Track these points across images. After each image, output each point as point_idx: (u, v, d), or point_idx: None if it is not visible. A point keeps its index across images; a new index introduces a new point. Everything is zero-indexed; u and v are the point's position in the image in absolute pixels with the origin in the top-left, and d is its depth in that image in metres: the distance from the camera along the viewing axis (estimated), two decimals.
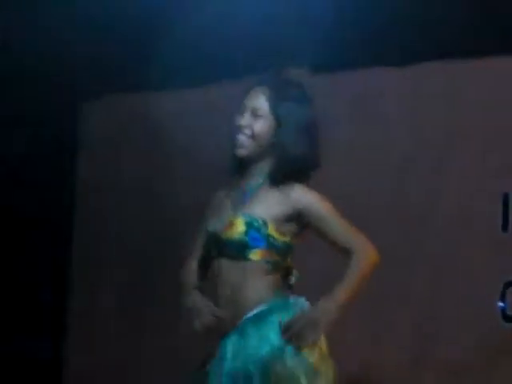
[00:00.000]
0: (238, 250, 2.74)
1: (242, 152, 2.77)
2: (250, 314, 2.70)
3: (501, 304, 3.91)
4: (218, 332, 2.74)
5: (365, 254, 2.73)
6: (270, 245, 2.74)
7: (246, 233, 2.73)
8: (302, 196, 2.75)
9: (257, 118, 2.77)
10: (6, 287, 4.78)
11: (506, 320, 3.91)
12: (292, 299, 2.75)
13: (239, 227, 2.74)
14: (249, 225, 2.74)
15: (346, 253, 2.73)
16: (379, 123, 4.10)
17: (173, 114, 4.54)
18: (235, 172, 2.84)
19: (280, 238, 2.75)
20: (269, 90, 2.78)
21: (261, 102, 2.77)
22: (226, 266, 2.77)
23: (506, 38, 3.84)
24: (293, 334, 2.63)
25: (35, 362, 4.73)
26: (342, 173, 4.00)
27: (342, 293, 2.67)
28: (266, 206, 2.76)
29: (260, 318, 2.70)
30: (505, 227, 3.93)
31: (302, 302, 2.75)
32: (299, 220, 2.76)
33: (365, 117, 4.13)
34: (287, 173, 2.75)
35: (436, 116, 4.03)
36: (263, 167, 2.79)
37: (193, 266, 2.90)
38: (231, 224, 2.76)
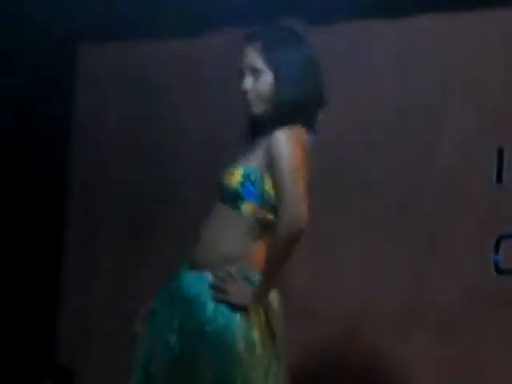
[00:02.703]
0: (232, 199, 2.77)
1: (256, 110, 2.79)
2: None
3: (495, 256, 3.99)
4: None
5: (286, 225, 2.66)
6: (264, 201, 2.75)
7: (242, 184, 2.76)
8: (273, 139, 2.71)
9: (256, 77, 2.77)
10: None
11: (499, 272, 4.00)
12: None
13: (237, 177, 2.76)
14: (246, 176, 2.76)
15: (278, 214, 2.70)
16: (372, 75, 4.18)
17: (166, 62, 4.66)
18: (250, 130, 2.86)
19: (274, 196, 2.73)
20: (260, 43, 2.78)
21: (255, 59, 2.77)
22: (220, 211, 2.80)
23: None
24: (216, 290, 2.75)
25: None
26: (335, 126, 4.05)
27: (261, 289, 2.73)
28: (259, 157, 2.77)
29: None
30: (499, 180, 4.01)
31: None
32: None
33: (357, 68, 4.20)
34: (288, 115, 2.72)
35: (428, 70, 4.10)
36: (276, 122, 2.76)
37: None
38: (232, 173, 2.78)
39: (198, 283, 2.78)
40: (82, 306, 4.85)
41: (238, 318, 2.73)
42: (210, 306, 2.76)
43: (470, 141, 4.04)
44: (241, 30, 2.95)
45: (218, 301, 2.75)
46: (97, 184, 4.87)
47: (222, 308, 2.75)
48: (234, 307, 2.74)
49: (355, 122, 4.20)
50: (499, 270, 3.99)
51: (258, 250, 2.78)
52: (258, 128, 2.81)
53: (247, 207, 2.75)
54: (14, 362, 4.85)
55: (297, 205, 2.66)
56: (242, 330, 2.73)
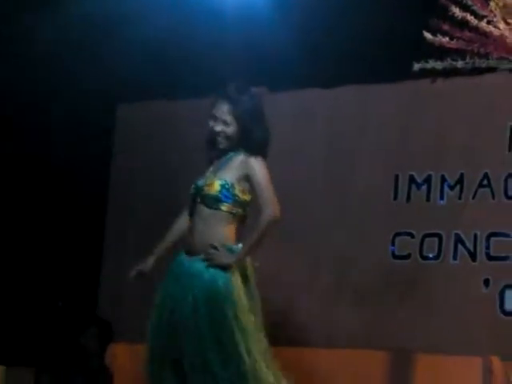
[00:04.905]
0: (214, 202, 3.89)
1: (222, 146, 4.00)
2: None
3: (392, 247, 5.88)
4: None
5: (267, 214, 3.83)
6: (235, 201, 3.90)
7: (220, 191, 3.90)
8: (250, 164, 3.91)
9: (226, 125, 3.95)
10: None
11: (394, 258, 5.87)
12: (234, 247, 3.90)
13: (216, 187, 3.90)
14: (222, 186, 3.89)
15: (260, 208, 3.88)
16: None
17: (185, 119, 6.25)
18: (216, 155, 4.07)
19: (242, 196, 3.92)
20: (228, 103, 3.92)
21: (225, 114, 3.94)
22: (203, 211, 3.90)
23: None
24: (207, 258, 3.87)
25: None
26: (285, 168, 5.73)
27: (242, 252, 3.87)
28: (231, 171, 3.91)
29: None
30: (395, 197, 5.90)
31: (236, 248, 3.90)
32: (248, 180, 3.91)
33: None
34: (253, 152, 3.92)
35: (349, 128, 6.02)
36: (232, 150, 3.99)
37: (177, 223, 4.13)
38: (211, 184, 3.91)
39: (196, 264, 3.87)
40: (118, 273, 6.12)
41: (228, 278, 3.76)
42: (207, 274, 3.81)
43: (377, 171, 5.95)
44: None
45: (210, 266, 3.79)
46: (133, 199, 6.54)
47: (216, 273, 3.79)
48: (222, 267, 3.79)
49: (297, 163, 6.01)
50: (395, 256, 5.86)
51: (231, 232, 3.90)
52: (218, 155, 4.02)
53: (225, 207, 3.89)
54: (67, 314, 6.20)
55: (275, 203, 3.86)
56: (231, 286, 3.77)
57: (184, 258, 3.93)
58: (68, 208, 6.47)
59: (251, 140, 3.94)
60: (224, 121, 3.95)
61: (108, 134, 6.57)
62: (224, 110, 3.96)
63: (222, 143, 4.00)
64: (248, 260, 3.94)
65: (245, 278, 3.88)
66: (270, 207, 3.87)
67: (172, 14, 5.88)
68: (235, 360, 3.72)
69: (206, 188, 3.93)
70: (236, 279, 3.84)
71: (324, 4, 5.85)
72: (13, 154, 6.28)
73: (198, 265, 3.88)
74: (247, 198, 3.95)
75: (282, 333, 5.34)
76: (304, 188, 6.05)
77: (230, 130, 3.96)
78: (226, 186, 3.91)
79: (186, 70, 6.06)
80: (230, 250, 3.90)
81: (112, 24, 5.94)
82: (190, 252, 3.93)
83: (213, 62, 5.96)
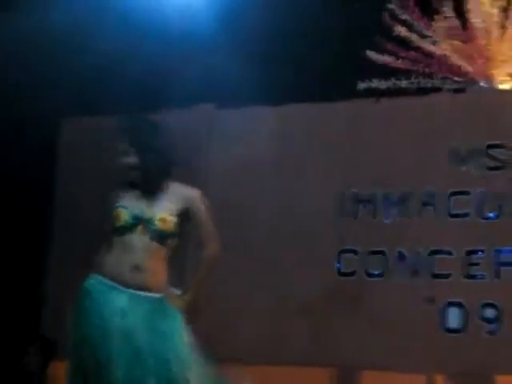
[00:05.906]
0: (164, 239, 3.84)
1: (131, 177, 3.96)
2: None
3: (337, 264, 5.94)
4: None
5: (211, 252, 3.91)
6: (178, 238, 3.88)
7: (174, 229, 3.84)
8: (191, 198, 3.90)
9: (128, 156, 3.93)
10: None
11: (340, 275, 5.93)
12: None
13: (170, 224, 3.85)
14: (175, 224, 3.84)
15: (202, 242, 3.91)
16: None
17: None
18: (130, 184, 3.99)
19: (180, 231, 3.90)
20: (129, 136, 3.97)
21: (127, 147, 3.95)
22: (150, 245, 3.83)
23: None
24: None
25: None
26: (231, 185, 5.92)
27: (191, 294, 3.90)
28: (172, 205, 3.87)
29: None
30: (341, 215, 5.96)
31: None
32: (187, 212, 3.90)
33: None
34: (154, 181, 3.93)
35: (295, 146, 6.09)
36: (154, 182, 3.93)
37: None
38: (164, 220, 3.86)
39: (149, 303, 3.81)
40: (62, 290, 6.10)
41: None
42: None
43: (323, 189, 6.01)
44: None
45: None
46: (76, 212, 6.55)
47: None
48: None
49: (240, 175, 5.99)
50: (340, 273, 5.93)
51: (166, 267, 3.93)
52: (136, 183, 3.95)
53: (170, 244, 3.86)
54: (8, 332, 6.13)
55: (217, 239, 3.92)
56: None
57: (123, 291, 3.85)
58: (11, 222, 6.44)
59: (150, 169, 3.96)
60: (126, 153, 3.99)
61: (53, 148, 6.59)
62: (124, 142, 4.01)
63: (130, 174, 4.00)
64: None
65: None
66: (214, 245, 3.94)
67: (118, 29, 5.97)
68: None
69: (158, 223, 3.88)
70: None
71: (271, 24, 6.01)
72: None
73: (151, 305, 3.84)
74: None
75: (227, 351, 5.33)
76: (250, 205, 6.08)
77: (133, 160, 3.98)
78: (177, 223, 3.89)
79: (131, 86, 6.10)
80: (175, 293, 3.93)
81: (60, 40, 6.01)
82: (138, 286, 3.84)
83: (158, 78, 6.06)
